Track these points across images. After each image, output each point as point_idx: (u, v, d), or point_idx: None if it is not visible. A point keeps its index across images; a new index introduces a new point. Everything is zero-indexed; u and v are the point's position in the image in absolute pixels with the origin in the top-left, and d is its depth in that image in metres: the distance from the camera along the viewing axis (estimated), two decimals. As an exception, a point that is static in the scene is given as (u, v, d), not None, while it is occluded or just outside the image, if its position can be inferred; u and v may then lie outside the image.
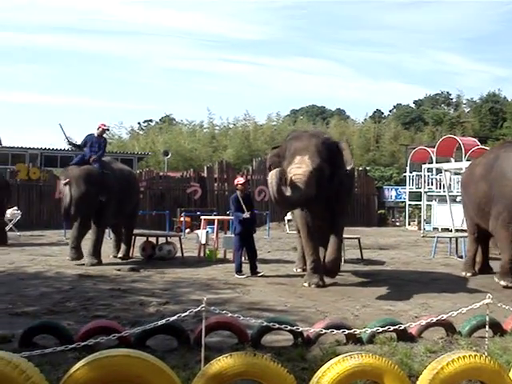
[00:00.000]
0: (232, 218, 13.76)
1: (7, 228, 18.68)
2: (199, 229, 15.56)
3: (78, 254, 12.39)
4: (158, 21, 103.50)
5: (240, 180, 12.01)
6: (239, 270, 11.17)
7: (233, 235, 13.47)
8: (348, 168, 9.91)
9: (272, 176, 9.12)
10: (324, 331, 5.43)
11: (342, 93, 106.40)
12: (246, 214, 11.21)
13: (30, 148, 30.35)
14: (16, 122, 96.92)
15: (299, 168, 9.33)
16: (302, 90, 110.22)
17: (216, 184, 27.71)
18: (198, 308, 4.29)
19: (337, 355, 4.32)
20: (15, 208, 21.73)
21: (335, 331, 5.36)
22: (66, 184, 12.14)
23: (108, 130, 13.29)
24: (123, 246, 13.79)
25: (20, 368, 3.50)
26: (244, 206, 11.31)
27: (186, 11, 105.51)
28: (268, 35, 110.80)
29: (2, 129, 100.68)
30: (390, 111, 69.55)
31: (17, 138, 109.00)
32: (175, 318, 4.48)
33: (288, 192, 9.21)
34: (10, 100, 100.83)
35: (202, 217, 15.36)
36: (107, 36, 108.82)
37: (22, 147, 30.49)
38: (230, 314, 4.66)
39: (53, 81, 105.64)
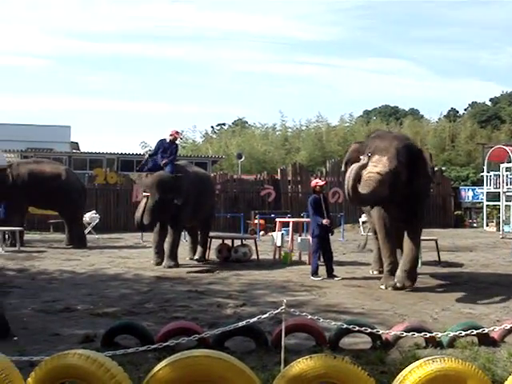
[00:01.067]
0: (306, 220, 13.72)
1: (86, 231, 19.20)
2: (273, 231, 15.60)
3: (162, 258, 12.69)
4: (230, 25, 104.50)
5: (319, 182, 11.94)
6: (315, 272, 11.11)
7: (308, 237, 13.47)
8: (431, 182, 9.69)
9: (351, 171, 9.07)
10: (404, 334, 5.34)
11: (416, 92, 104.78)
12: (327, 221, 11.13)
13: (107, 153, 31.12)
14: (93, 128, 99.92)
15: (375, 167, 9.23)
16: (374, 90, 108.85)
17: (290, 186, 27.70)
18: (278, 310, 4.29)
19: (417, 359, 4.25)
20: (93, 212, 22.30)
21: (416, 334, 5.26)
22: (145, 197, 12.41)
23: (181, 138, 13.46)
24: (199, 249, 13.94)
25: (105, 367, 3.60)
26: (324, 210, 11.28)
27: (257, 15, 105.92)
28: (339, 36, 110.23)
29: (80, 135, 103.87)
30: (466, 109, 67.93)
31: (94, 143, 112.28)
32: (255, 319, 4.50)
33: (361, 187, 9.13)
34: (86, 107, 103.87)
35: (277, 219, 15.37)
36: (181, 42, 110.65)
37: (99, 152, 31.31)
38: (309, 316, 4.64)
39: (129, 87, 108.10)
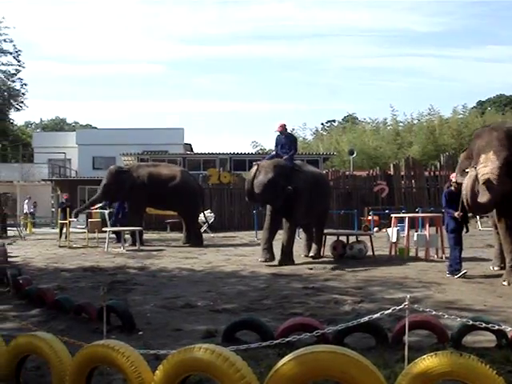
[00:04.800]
0: (422, 215, 13.34)
1: (202, 230, 19.63)
2: (388, 227, 15.38)
3: (269, 254, 12.76)
4: (339, 21, 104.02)
5: (454, 175, 11.34)
6: (457, 269, 10.53)
7: (425, 233, 13.22)
8: None
9: (467, 186, 8.96)
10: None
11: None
12: (459, 213, 10.48)
13: (219, 153, 31.67)
14: (205, 129, 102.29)
15: (485, 167, 8.95)
16: (488, 79, 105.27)
17: (403, 181, 27.22)
18: (401, 306, 4.22)
19: (547, 359, 4.06)
20: (208, 211, 22.81)
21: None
22: (255, 165, 12.71)
23: (285, 130, 13.50)
24: (314, 246, 13.95)
25: (230, 361, 3.66)
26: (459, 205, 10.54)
27: (366, 9, 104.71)
28: (450, 26, 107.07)
29: (194, 137, 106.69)
30: None
31: (206, 144, 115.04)
32: (377, 315, 4.44)
33: (480, 196, 8.90)
34: (198, 109, 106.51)
35: (393, 215, 15.12)
36: (290, 41, 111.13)
37: (212, 153, 31.93)
38: (434, 313, 4.53)
39: (239, 88, 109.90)
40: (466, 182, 9.16)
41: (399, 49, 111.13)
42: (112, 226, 18.87)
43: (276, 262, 12.61)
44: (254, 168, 12.85)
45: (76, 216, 19.36)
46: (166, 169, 18.82)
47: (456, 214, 10.50)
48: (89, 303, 7.38)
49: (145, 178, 18.14)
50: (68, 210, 19.39)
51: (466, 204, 9.16)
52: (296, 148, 13.56)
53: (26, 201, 33.73)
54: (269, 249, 12.86)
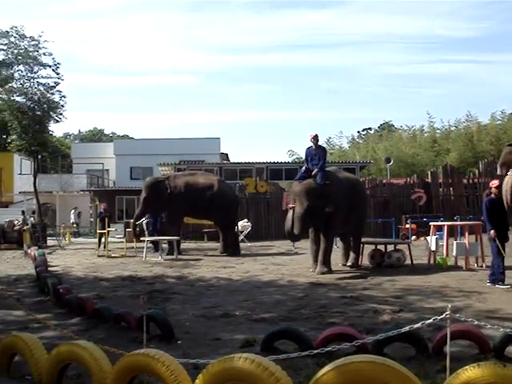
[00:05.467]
0: (461, 223, 13.14)
1: (239, 239, 19.65)
2: (426, 235, 15.21)
3: None
4: (375, 28, 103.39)
5: (494, 183, 10.55)
6: (501, 280, 10.26)
7: (464, 241, 13.04)
8: None
9: (507, 183, 8.77)
10: None
11: None
12: (494, 233, 10.13)
13: (256, 162, 31.76)
14: (242, 138, 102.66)
15: None
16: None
17: (441, 189, 26.88)
18: (443, 315, 4.16)
19: None
20: (245, 220, 22.84)
21: None
22: (292, 208, 12.61)
23: (317, 141, 13.37)
24: (352, 255, 13.83)
25: (269, 370, 3.67)
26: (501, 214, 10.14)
27: (400, 15, 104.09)
28: (488, 30, 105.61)
29: (230, 146, 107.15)
30: None
31: (242, 153, 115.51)
32: (418, 325, 4.39)
33: None
34: (234, 118, 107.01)
35: (431, 223, 14.92)
36: (325, 49, 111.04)
37: (248, 162, 32.04)
38: (476, 322, 4.46)
39: (275, 97, 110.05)
40: (507, 179, 8.98)
41: (436, 55, 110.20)
42: (150, 235, 19.02)
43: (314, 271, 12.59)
44: (290, 212, 12.70)
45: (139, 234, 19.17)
46: (202, 178, 18.88)
47: (492, 232, 10.28)
48: (128, 312, 7.44)
49: (182, 187, 18.25)
50: (106, 219, 19.58)
51: (505, 201, 8.96)
52: (325, 159, 13.43)
53: (73, 211, 34.45)
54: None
